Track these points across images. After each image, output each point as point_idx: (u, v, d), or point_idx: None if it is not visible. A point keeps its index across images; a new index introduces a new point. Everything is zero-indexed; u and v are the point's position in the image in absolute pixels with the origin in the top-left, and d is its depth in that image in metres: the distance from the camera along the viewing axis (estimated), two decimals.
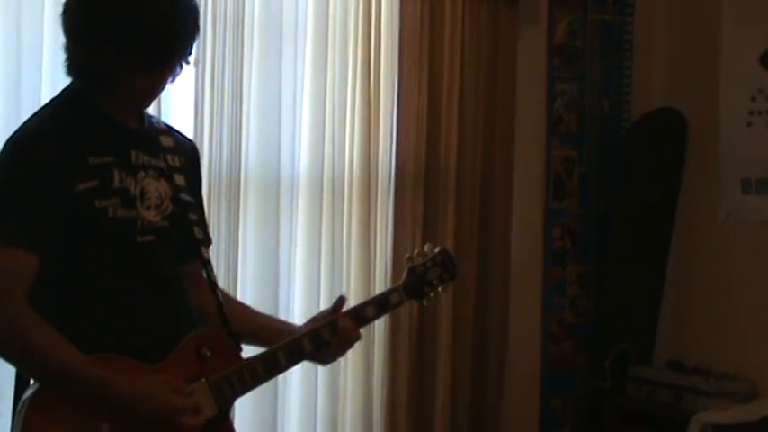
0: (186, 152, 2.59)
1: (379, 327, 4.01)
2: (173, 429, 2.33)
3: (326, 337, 2.60)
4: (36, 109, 3.19)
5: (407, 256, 2.81)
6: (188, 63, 2.43)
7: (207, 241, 2.62)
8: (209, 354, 2.45)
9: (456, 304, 4.22)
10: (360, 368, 4.03)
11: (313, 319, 2.69)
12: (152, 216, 2.41)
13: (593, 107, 4.82)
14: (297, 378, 3.88)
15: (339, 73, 3.97)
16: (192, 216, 2.53)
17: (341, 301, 2.68)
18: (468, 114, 4.27)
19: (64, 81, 3.29)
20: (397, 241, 4.12)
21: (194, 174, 2.62)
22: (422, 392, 4.19)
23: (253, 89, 3.76)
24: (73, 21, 2.36)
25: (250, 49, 3.78)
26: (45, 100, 3.27)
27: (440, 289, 2.78)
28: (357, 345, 3.82)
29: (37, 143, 2.33)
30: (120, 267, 2.37)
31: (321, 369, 3.81)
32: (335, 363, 3.35)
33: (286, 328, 2.71)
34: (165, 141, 2.53)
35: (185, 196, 2.50)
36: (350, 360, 3.97)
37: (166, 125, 2.62)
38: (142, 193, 2.40)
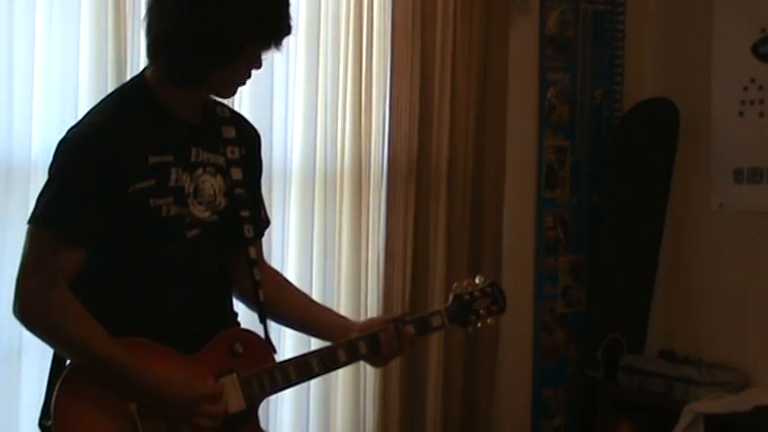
0: (248, 141, 2.60)
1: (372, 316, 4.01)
2: (195, 417, 2.36)
3: (363, 351, 2.61)
4: (27, 99, 3.27)
5: (455, 284, 2.82)
6: (276, 49, 2.41)
7: (259, 234, 2.64)
8: (241, 350, 2.47)
9: (447, 294, 4.20)
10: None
11: (371, 320, 2.75)
12: (201, 212, 2.45)
13: (585, 97, 4.81)
14: (288, 394, 3.85)
15: (331, 64, 3.96)
16: (244, 213, 2.54)
17: (402, 315, 2.71)
18: (460, 104, 4.26)
19: (58, 72, 3.32)
20: (390, 232, 4.11)
21: (254, 163, 2.64)
22: (413, 383, 4.19)
23: None
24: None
25: None
26: (39, 91, 3.30)
27: (488, 320, 2.79)
28: None
29: (96, 141, 2.34)
30: (166, 260, 2.41)
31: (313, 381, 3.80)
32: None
33: (338, 322, 2.72)
34: (227, 132, 2.54)
35: (240, 191, 2.52)
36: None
37: (231, 111, 2.63)
38: (196, 189, 2.43)
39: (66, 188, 2.33)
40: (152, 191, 2.36)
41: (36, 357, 3.08)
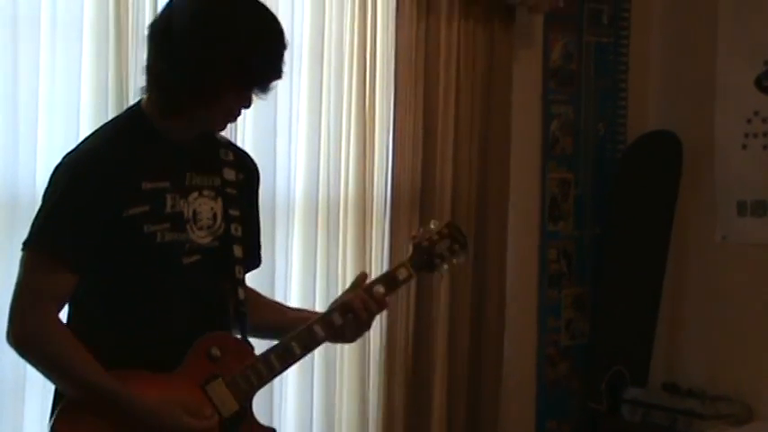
0: (247, 170, 2.63)
1: (375, 339, 4.02)
2: None
3: (338, 322, 2.61)
4: (31, 132, 3.28)
5: (411, 234, 2.82)
6: (262, 93, 2.43)
7: (249, 258, 2.63)
8: (219, 354, 2.46)
9: (451, 327, 4.21)
10: (354, 377, 4.02)
11: (340, 296, 2.73)
12: (201, 237, 2.46)
13: (589, 129, 4.82)
14: (293, 388, 3.86)
15: (334, 95, 3.96)
16: (235, 233, 2.54)
17: (362, 276, 2.71)
18: (464, 136, 4.27)
19: (62, 103, 3.33)
20: (393, 264, 4.09)
21: (252, 192, 2.65)
22: (416, 415, 4.17)
23: (248, 113, 3.72)
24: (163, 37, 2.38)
25: None
26: (43, 123, 3.30)
27: (454, 261, 2.77)
28: (352, 358, 3.95)
29: (90, 166, 2.37)
30: (163, 286, 2.42)
31: (317, 371, 3.86)
32: (330, 367, 3.70)
33: (313, 314, 2.73)
34: (225, 155, 2.56)
35: (233, 211, 2.53)
36: (345, 375, 3.98)
37: (229, 142, 2.66)
38: (194, 214, 2.45)
39: (57, 211, 2.35)
40: (146, 217, 2.37)
41: (39, 392, 3.08)
